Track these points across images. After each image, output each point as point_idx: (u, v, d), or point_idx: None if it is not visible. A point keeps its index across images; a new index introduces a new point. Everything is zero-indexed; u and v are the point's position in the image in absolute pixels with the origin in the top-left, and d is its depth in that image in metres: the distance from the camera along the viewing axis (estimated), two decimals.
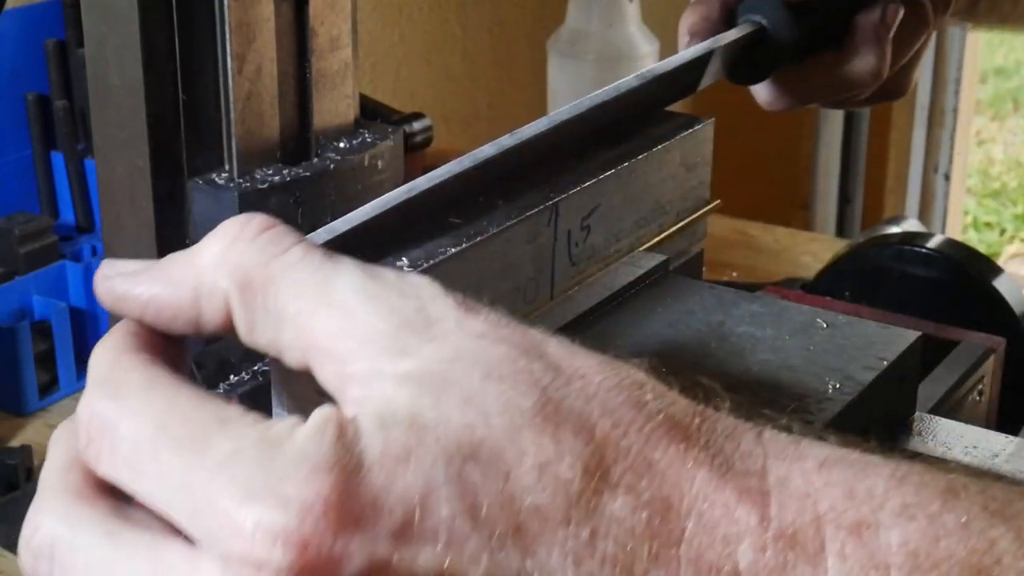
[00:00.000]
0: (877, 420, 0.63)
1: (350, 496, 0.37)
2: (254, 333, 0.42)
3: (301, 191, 0.83)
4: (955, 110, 2.56)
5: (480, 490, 0.38)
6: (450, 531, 0.37)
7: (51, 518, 0.43)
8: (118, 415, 0.41)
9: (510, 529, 0.38)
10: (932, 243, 0.95)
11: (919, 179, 2.59)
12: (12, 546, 0.94)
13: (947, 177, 2.59)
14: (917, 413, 0.67)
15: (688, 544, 0.39)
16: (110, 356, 0.43)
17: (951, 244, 0.96)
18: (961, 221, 2.86)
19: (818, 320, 0.67)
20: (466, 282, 0.61)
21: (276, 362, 0.44)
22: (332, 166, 0.85)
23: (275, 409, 0.57)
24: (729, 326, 0.66)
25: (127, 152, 0.83)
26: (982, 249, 1.30)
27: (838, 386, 0.61)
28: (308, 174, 0.84)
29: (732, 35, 0.81)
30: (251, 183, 0.82)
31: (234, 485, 0.38)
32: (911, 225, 1.33)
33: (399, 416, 0.38)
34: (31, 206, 1.24)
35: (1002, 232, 3.83)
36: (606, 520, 0.38)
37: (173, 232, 0.84)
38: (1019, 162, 4.09)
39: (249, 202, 0.81)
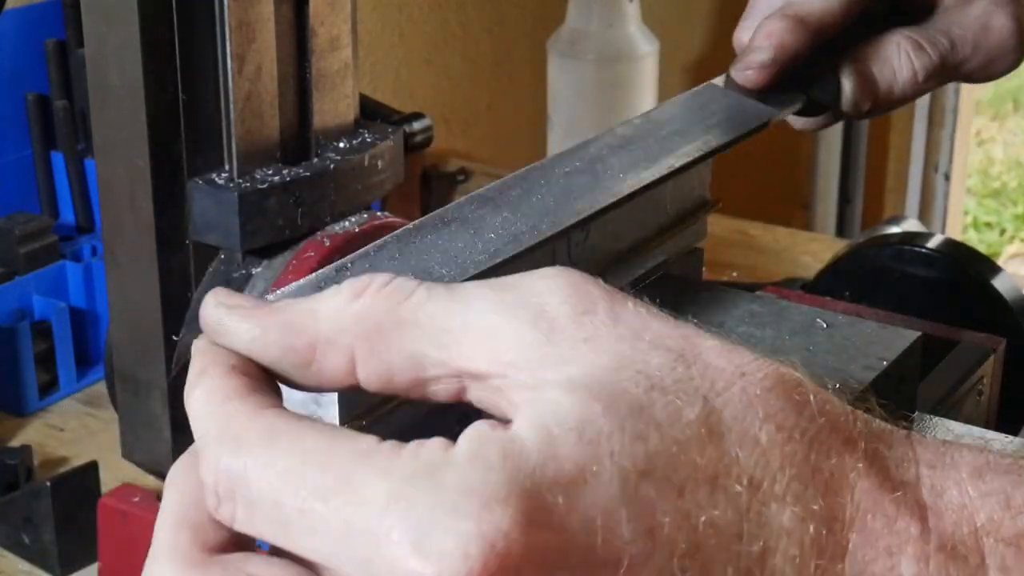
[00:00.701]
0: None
1: (532, 528, 0.35)
2: (393, 379, 0.40)
3: (301, 191, 0.83)
4: (955, 110, 2.56)
5: (657, 508, 0.36)
6: (632, 555, 0.35)
7: None
8: (247, 470, 0.38)
9: (689, 547, 0.36)
10: (932, 243, 0.95)
11: (919, 179, 2.58)
12: (12, 546, 0.94)
13: (947, 177, 2.59)
14: (917, 413, 0.67)
15: (853, 556, 0.38)
16: (217, 406, 0.40)
17: (951, 244, 0.96)
18: (961, 221, 2.86)
19: (818, 320, 0.66)
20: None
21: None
22: (332, 166, 0.85)
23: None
24: (729, 326, 0.66)
25: (127, 152, 0.83)
26: (982, 249, 1.30)
27: (837, 386, 0.61)
28: (308, 174, 0.84)
29: (788, 108, 0.79)
30: (251, 183, 0.82)
31: (404, 532, 0.35)
32: (911, 225, 1.33)
33: (567, 425, 0.36)
34: (31, 206, 1.24)
35: (1002, 232, 3.83)
36: (775, 533, 0.37)
37: (173, 232, 0.84)
38: (1019, 162, 4.09)
39: (249, 202, 0.81)
